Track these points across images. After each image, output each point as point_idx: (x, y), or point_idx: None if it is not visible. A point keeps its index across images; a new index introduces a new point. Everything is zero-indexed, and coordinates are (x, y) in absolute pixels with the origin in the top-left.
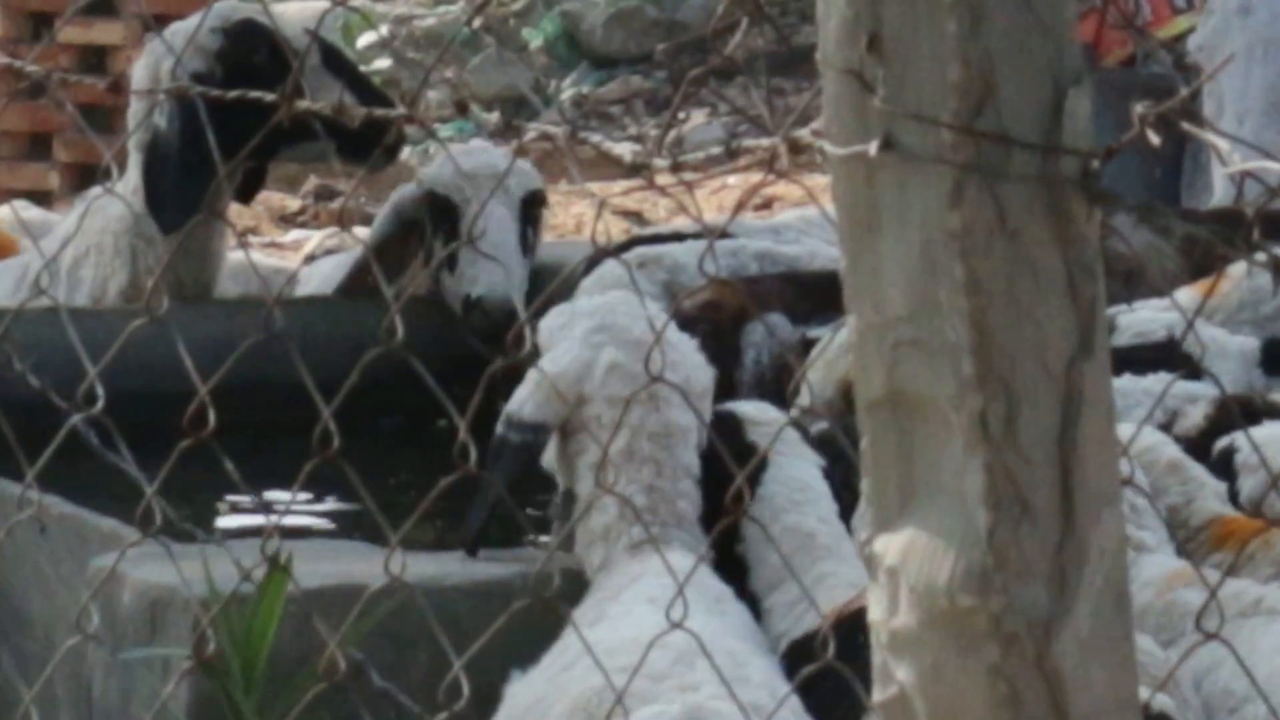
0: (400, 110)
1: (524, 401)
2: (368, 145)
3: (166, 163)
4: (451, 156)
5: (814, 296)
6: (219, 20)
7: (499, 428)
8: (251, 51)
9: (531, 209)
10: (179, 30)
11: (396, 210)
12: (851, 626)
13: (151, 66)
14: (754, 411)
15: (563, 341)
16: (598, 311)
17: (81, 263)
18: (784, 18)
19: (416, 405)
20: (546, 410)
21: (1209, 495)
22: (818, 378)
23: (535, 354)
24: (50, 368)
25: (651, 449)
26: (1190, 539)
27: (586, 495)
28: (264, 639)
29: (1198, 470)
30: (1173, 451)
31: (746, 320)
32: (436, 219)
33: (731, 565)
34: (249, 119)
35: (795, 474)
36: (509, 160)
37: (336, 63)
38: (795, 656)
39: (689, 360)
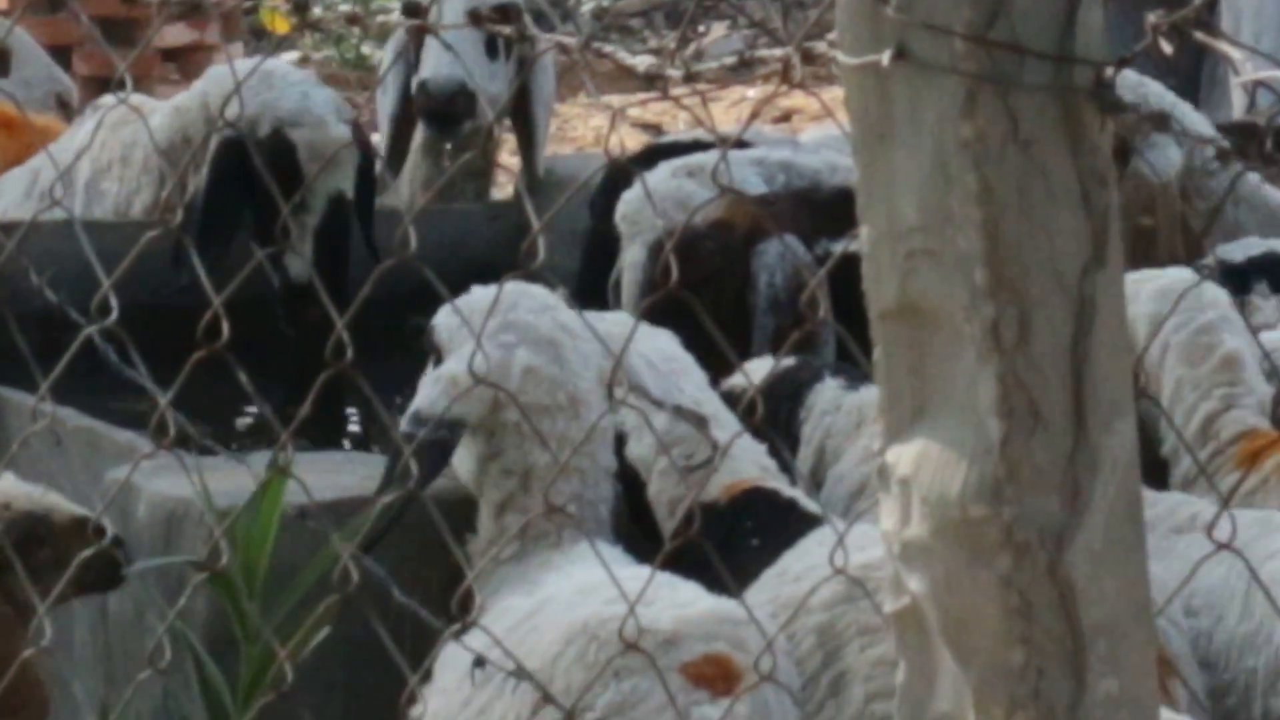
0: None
1: (435, 399)
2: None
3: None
4: None
5: (828, 216)
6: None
7: (404, 425)
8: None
9: (506, 11)
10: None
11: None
12: (741, 505)
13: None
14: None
15: (466, 341)
16: (499, 308)
17: (103, 176)
18: None
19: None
20: (464, 407)
21: (1250, 405)
22: None
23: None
24: (66, 280)
25: (576, 459)
26: (1217, 453)
27: (499, 498)
28: (264, 543)
29: (1251, 372)
30: (1234, 345)
31: (759, 240)
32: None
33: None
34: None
35: (662, 346)
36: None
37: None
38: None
39: (597, 347)
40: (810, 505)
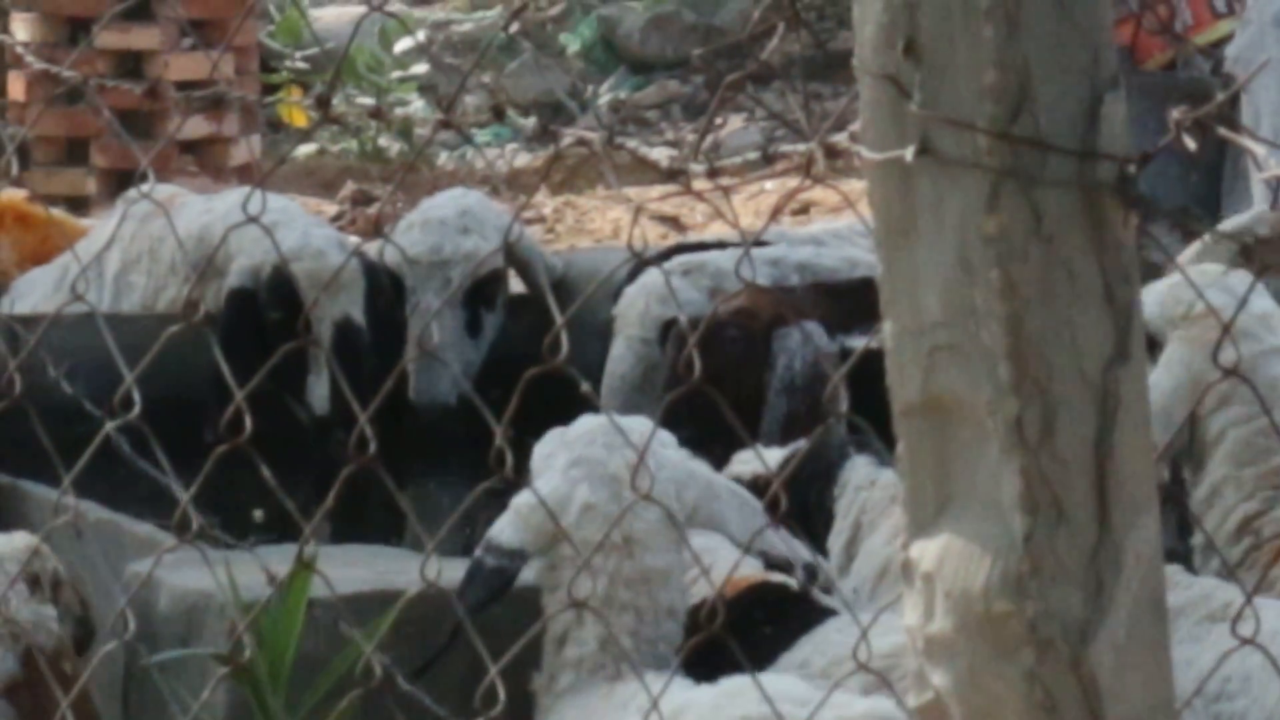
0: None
1: (503, 528)
2: None
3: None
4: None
5: (848, 305)
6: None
7: (477, 550)
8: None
9: (485, 289)
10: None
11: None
12: (747, 600)
13: None
14: None
15: (546, 471)
16: (578, 441)
17: (131, 268)
18: (820, 23)
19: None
20: (525, 537)
21: None
22: None
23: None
24: (88, 373)
25: (629, 595)
26: (1255, 548)
27: (559, 630)
28: (289, 637)
29: None
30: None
31: (780, 326)
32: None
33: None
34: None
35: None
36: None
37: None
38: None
39: (674, 473)
40: (821, 598)
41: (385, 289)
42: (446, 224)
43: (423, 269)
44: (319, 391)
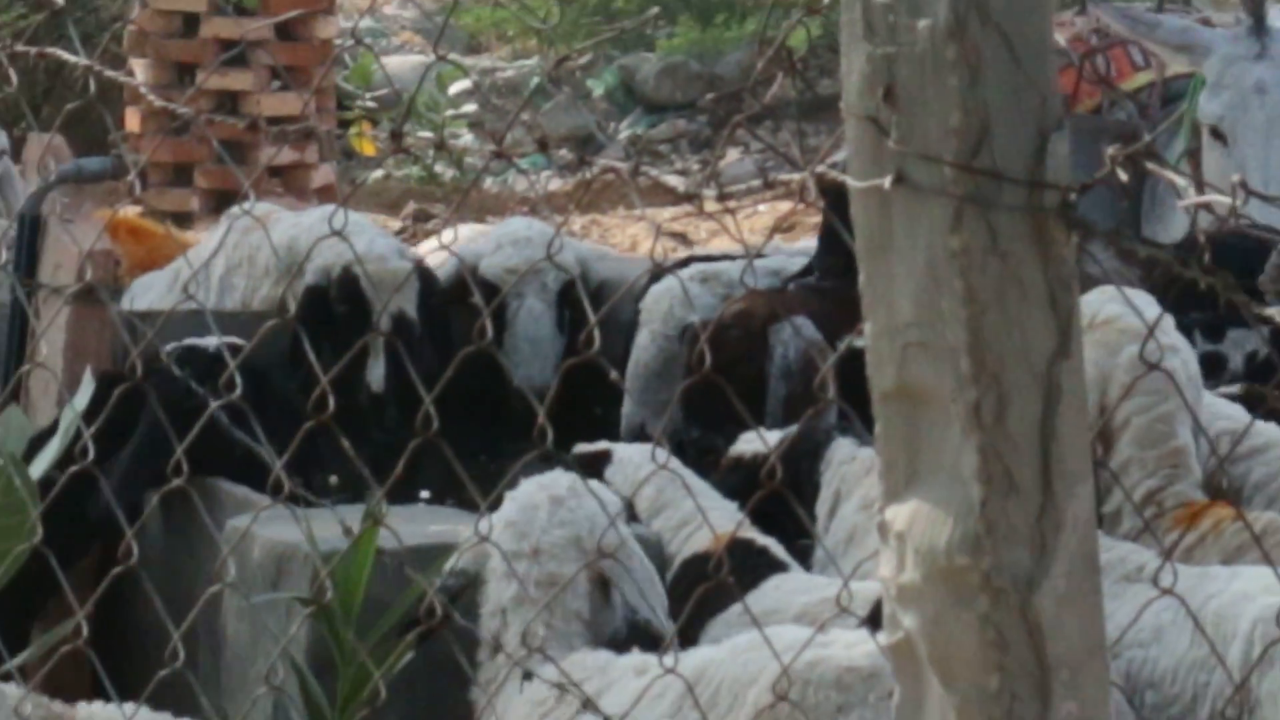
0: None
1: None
2: None
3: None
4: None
5: (831, 304)
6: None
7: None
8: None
9: (569, 294)
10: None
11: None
12: (739, 549)
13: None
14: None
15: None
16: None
17: (234, 272)
18: (806, 72)
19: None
20: (473, 561)
21: (1191, 482)
22: None
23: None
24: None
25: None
26: (1159, 515)
27: (489, 637)
28: (360, 582)
29: (1191, 461)
30: (1185, 440)
31: (774, 323)
32: (487, 299)
33: None
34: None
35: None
36: (558, 245)
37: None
38: (689, 571)
39: (587, 512)
40: (780, 554)
41: (437, 290)
42: (532, 242)
43: (524, 278)
44: (376, 373)
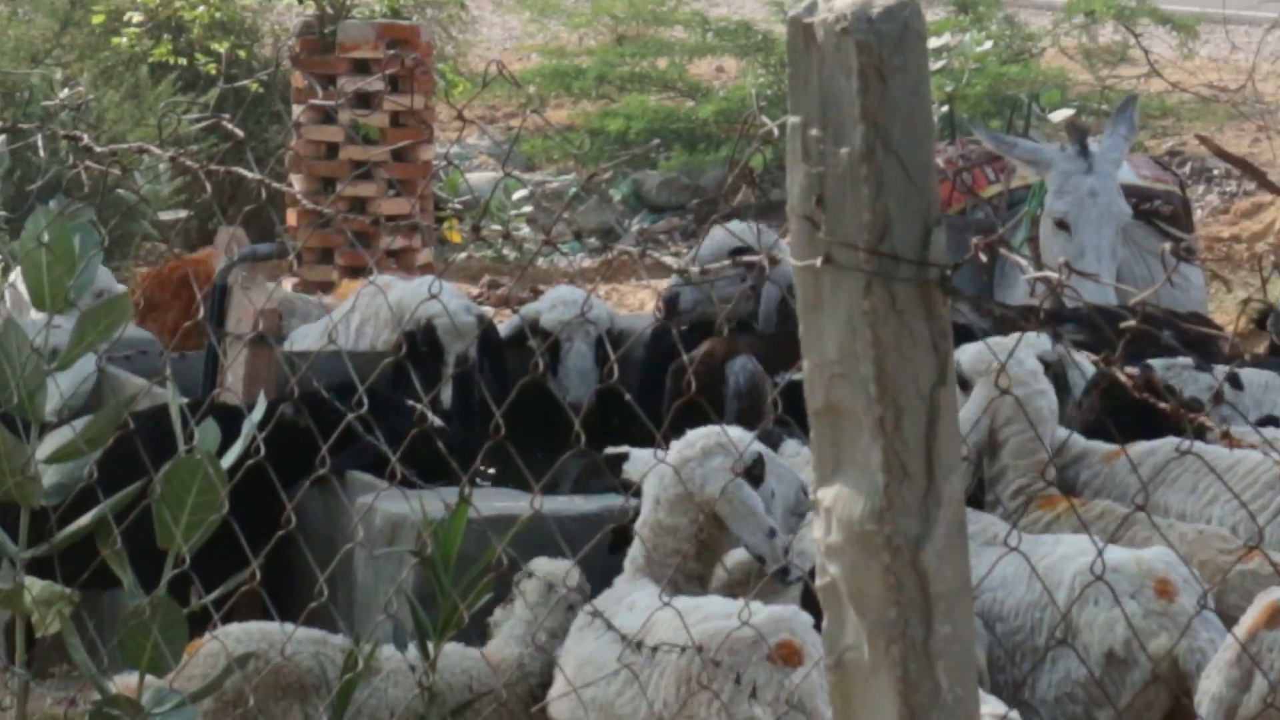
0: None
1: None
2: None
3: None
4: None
5: (773, 348)
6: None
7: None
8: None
9: (606, 341)
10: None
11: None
12: None
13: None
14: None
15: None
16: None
17: (366, 324)
18: (762, 184)
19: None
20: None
21: (1047, 482)
22: None
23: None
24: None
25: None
26: (1026, 502)
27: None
28: (455, 542)
29: (1049, 469)
30: (1043, 454)
31: (729, 360)
32: (541, 342)
33: None
34: None
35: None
36: (589, 305)
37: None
38: None
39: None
40: None
41: (495, 340)
42: (575, 303)
43: (572, 327)
44: (445, 394)
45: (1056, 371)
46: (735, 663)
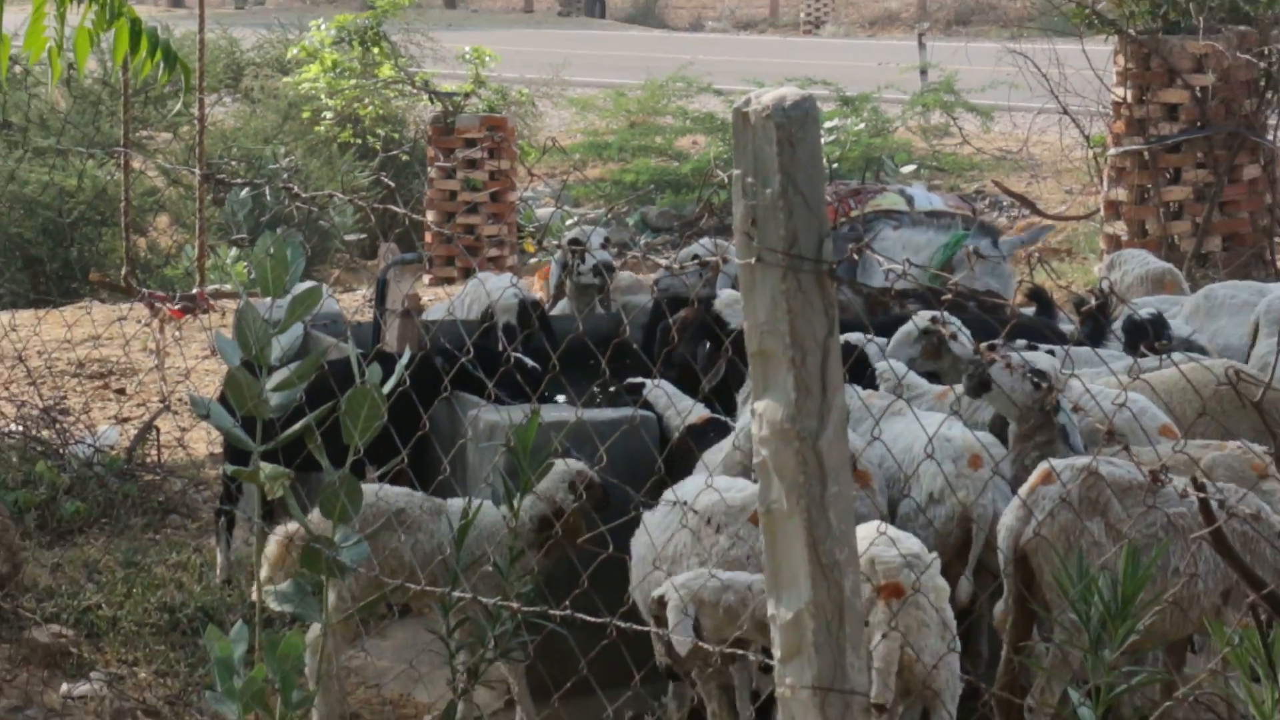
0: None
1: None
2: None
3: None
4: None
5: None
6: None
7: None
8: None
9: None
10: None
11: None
12: (714, 422)
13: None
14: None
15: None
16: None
17: (473, 305)
18: (720, 213)
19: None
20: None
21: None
22: None
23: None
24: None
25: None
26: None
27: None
28: (529, 438)
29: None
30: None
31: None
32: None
33: None
34: None
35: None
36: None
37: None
38: (690, 432)
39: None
40: (731, 424)
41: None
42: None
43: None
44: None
45: (936, 335)
46: (724, 521)
